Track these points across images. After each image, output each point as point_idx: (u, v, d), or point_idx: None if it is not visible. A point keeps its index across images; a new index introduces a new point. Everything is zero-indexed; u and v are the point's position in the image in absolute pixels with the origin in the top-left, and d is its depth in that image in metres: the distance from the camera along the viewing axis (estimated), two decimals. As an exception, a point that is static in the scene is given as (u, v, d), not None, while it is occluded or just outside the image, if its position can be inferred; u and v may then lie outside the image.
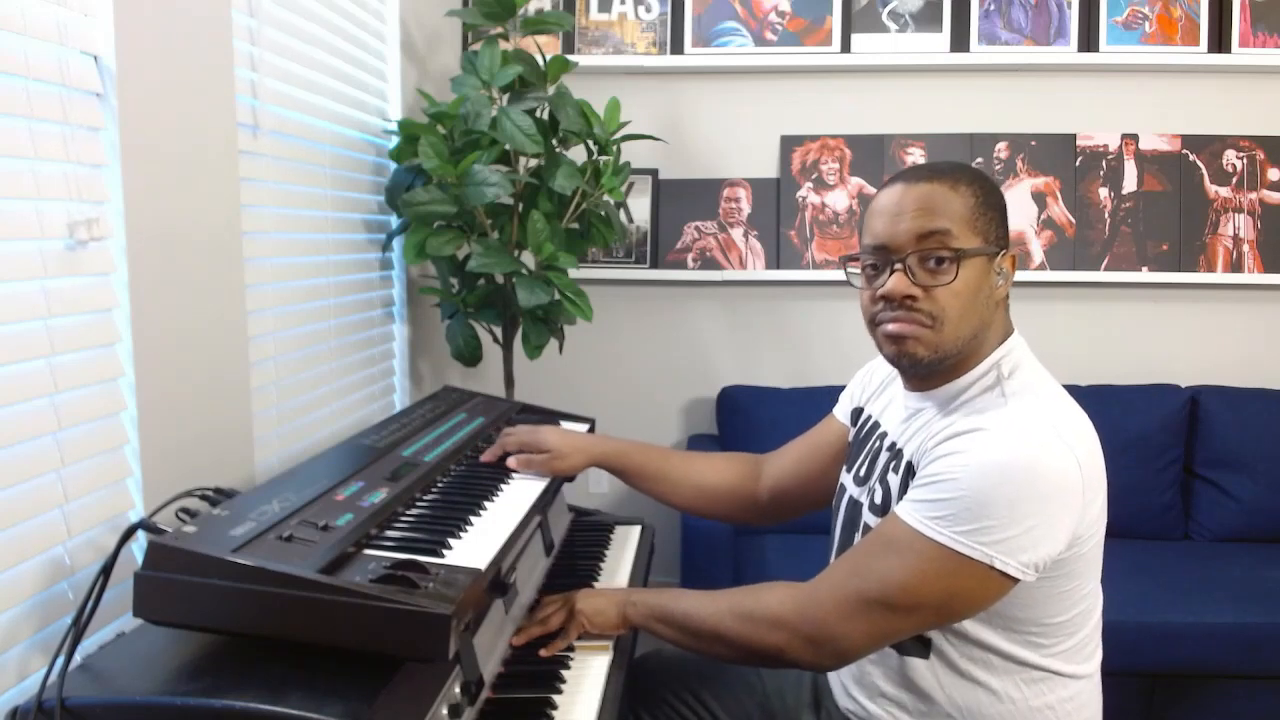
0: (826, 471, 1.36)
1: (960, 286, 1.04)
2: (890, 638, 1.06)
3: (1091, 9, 2.56)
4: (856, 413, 1.33)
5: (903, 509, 1.03)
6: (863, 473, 1.21)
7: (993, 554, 0.96)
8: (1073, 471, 0.98)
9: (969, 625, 1.05)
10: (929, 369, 1.08)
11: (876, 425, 1.24)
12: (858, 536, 1.15)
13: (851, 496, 1.21)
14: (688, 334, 2.75)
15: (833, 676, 1.25)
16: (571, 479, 1.51)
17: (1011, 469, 0.96)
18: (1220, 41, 2.54)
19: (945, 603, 1.00)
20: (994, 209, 1.08)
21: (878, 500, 1.13)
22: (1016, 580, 0.98)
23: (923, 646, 1.09)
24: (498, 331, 2.14)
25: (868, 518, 1.14)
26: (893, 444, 1.16)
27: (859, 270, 1.12)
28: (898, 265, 1.05)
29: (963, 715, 1.07)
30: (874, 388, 1.31)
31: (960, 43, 2.59)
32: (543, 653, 1.18)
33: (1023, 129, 2.62)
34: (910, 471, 1.08)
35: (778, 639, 1.07)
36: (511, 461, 1.37)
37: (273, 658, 0.84)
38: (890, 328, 1.07)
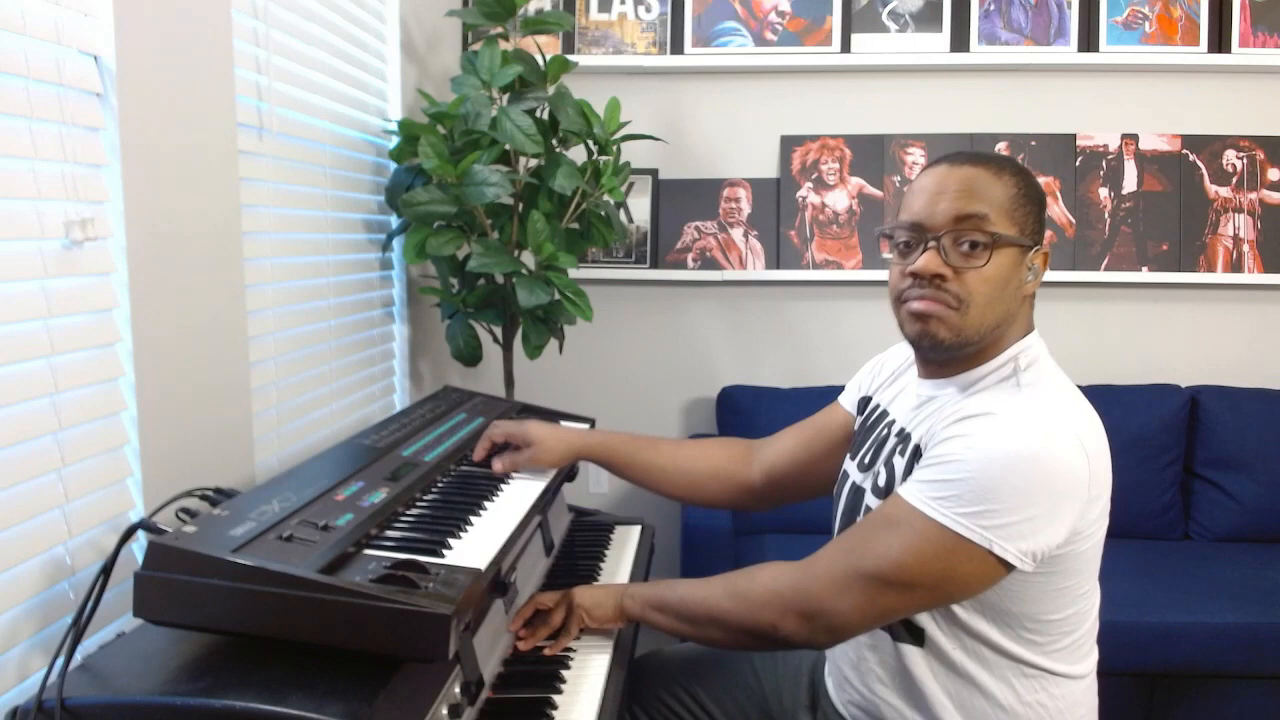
0: (826, 457, 1.36)
1: (991, 273, 1.04)
2: (884, 616, 1.06)
3: (1091, 9, 2.56)
4: (864, 401, 1.33)
5: (906, 489, 1.03)
6: (867, 459, 1.20)
7: (992, 538, 0.96)
8: (1080, 465, 0.98)
9: (965, 617, 1.05)
10: (948, 352, 1.08)
11: (885, 413, 1.24)
12: (859, 520, 1.15)
13: (854, 483, 1.21)
14: (688, 334, 2.75)
15: (829, 667, 1.25)
16: (572, 478, 1.52)
17: (1019, 455, 0.96)
18: (1220, 41, 2.54)
19: (940, 583, 1.00)
20: (1033, 203, 1.08)
21: (881, 483, 1.13)
22: (1013, 567, 0.98)
23: (916, 636, 1.09)
24: (498, 331, 2.14)
25: (870, 500, 1.14)
26: (901, 429, 1.16)
27: (891, 247, 1.13)
28: (931, 243, 1.05)
29: (955, 706, 1.08)
30: (884, 378, 1.31)
31: (960, 43, 2.59)
32: (546, 652, 1.18)
33: (1023, 129, 2.62)
34: (917, 454, 1.08)
35: (771, 615, 1.07)
36: (496, 464, 1.36)
37: (273, 658, 0.85)
38: (916, 305, 1.07)
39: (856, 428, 1.32)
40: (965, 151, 1.11)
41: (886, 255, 1.15)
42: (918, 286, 1.07)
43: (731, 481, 1.45)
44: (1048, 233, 2.58)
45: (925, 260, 1.05)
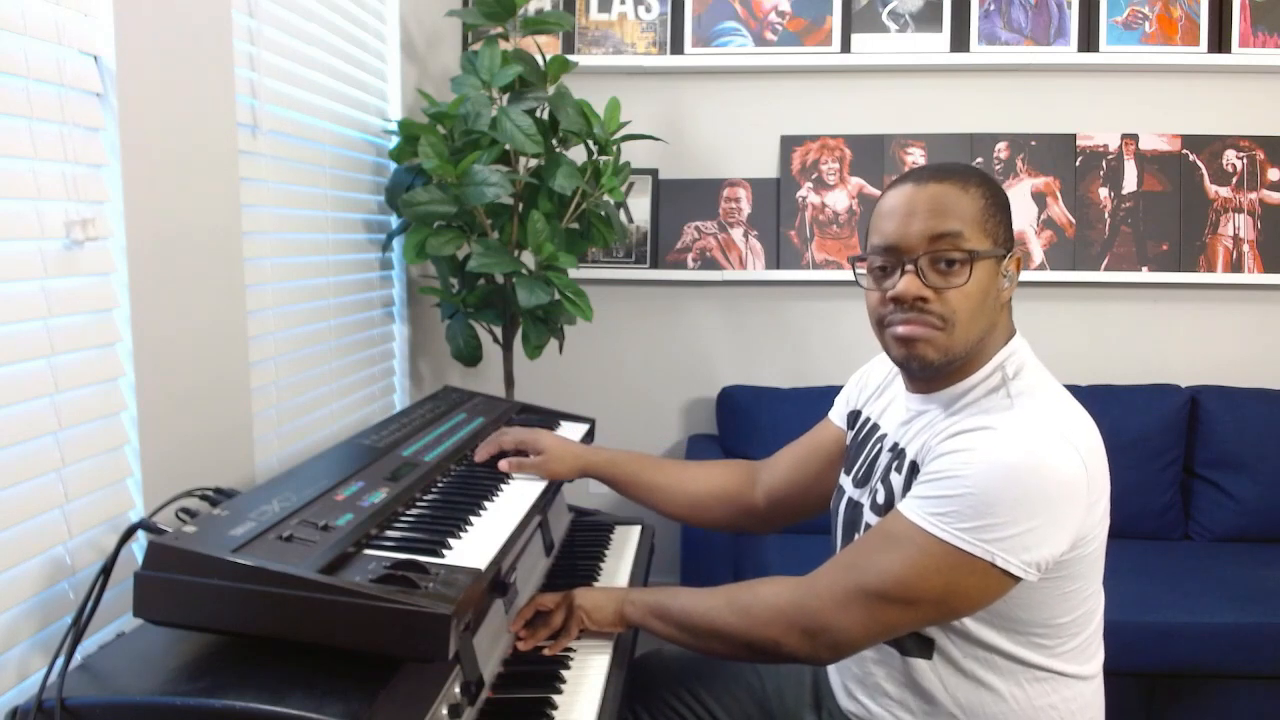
0: (823, 476, 1.36)
1: (971, 288, 1.04)
2: (887, 632, 1.05)
3: (1091, 9, 2.56)
4: (853, 416, 1.33)
5: (905, 505, 1.03)
6: (862, 474, 1.21)
7: (994, 551, 0.96)
8: (1079, 473, 0.98)
9: (973, 626, 1.05)
10: (937, 371, 1.08)
11: (876, 427, 1.24)
12: (859, 537, 1.15)
13: (851, 498, 1.21)
14: (688, 334, 2.75)
15: (834, 677, 1.25)
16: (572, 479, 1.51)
17: (1018, 468, 0.96)
18: (1220, 41, 2.54)
19: (944, 598, 1.00)
20: (1001, 210, 1.08)
21: (880, 500, 1.13)
22: (1018, 579, 0.98)
23: (926, 647, 1.08)
24: (498, 331, 2.14)
25: (869, 517, 1.14)
26: (894, 444, 1.16)
27: (866, 271, 1.12)
28: (909, 266, 1.05)
29: (966, 715, 1.07)
30: (871, 390, 1.31)
31: (960, 43, 2.59)
32: (546, 652, 1.18)
33: (1023, 129, 2.62)
34: (914, 470, 1.08)
35: (774, 631, 1.07)
36: (503, 464, 1.37)
37: (273, 658, 0.85)
38: (900, 330, 1.06)
39: (848, 442, 1.31)
40: (928, 167, 1.10)
41: (860, 272, 1.13)
42: (900, 311, 1.06)
43: (735, 505, 1.45)
44: (1047, 233, 2.60)
45: (906, 284, 1.05)
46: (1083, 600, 1.05)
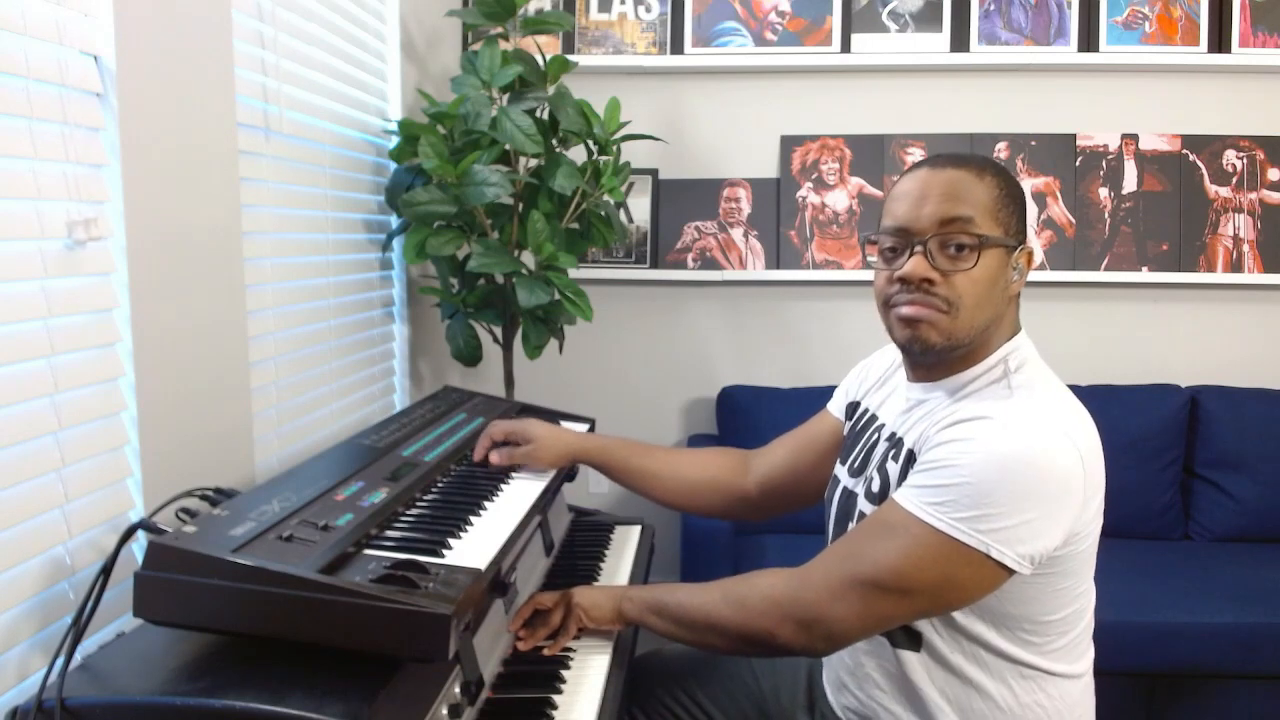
0: (819, 466, 1.36)
1: (979, 274, 1.04)
2: (883, 622, 1.05)
3: (1091, 9, 2.56)
4: (852, 407, 1.33)
5: (901, 494, 1.02)
6: (858, 464, 1.21)
7: (990, 542, 0.96)
8: (1075, 467, 0.98)
9: (962, 619, 1.05)
10: (938, 356, 1.08)
11: (874, 418, 1.24)
12: (852, 526, 1.15)
13: (846, 487, 1.21)
14: (688, 334, 2.75)
15: (827, 671, 1.25)
16: (572, 478, 1.51)
17: (1015, 460, 0.96)
18: (1220, 41, 2.54)
19: (939, 589, 1.00)
20: (1015, 202, 1.08)
21: (875, 488, 1.13)
22: (1012, 571, 0.98)
23: (914, 640, 1.08)
24: (498, 331, 2.14)
25: (863, 506, 1.14)
26: (892, 434, 1.16)
27: (877, 254, 1.12)
28: (918, 248, 1.05)
29: (953, 709, 1.08)
30: (871, 382, 1.31)
31: (960, 43, 2.59)
32: (545, 652, 1.18)
33: (1023, 129, 2.62)
34: (911, 459, 1.07)
35: (768, 623, 1.07)
36: (494, 456, 1.37)
37: (273, 658, 0.85)
38: (905, 310, 1.06)
39: (845, 433, 1.31)
40: (945, 155, 1.11)
41: (872, 259, 1.14)
42: (906, 291, 1.06)
43: (727, 491, 1.45)
44: (1047, 233, 2.60)
45: (913, 265, 1.05)
46: (1073, 598, 1.05)
